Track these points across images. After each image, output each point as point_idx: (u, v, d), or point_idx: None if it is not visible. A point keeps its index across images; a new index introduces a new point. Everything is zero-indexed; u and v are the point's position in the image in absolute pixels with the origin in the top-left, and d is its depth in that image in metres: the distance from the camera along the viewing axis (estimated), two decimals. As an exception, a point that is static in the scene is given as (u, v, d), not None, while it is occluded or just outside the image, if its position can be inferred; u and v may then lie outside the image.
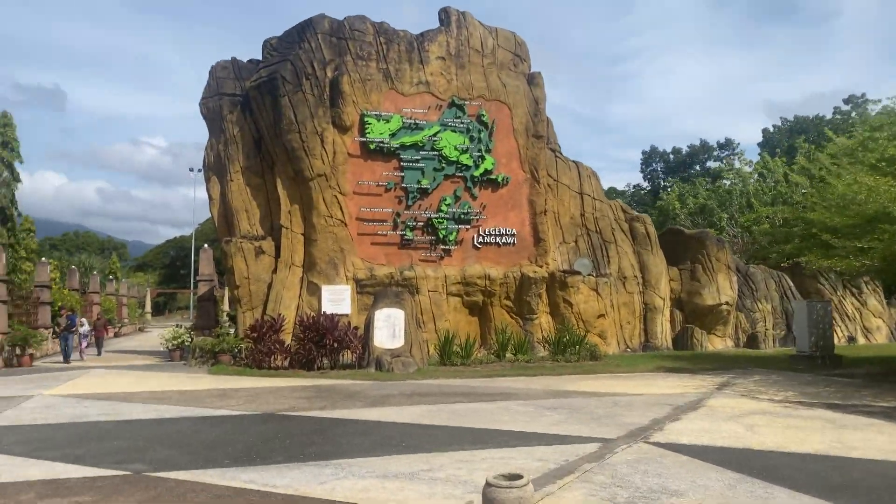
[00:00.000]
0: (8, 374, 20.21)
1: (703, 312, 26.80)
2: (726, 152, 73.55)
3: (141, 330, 53.41)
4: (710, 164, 73.33)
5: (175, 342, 25.05)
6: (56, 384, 16.95)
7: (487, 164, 23.98)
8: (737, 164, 42.06)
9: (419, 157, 23.27)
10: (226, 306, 34.43)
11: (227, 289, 28.11)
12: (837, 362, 19.81)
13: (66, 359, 24.00)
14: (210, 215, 25.36)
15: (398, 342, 19.20)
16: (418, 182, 23.21)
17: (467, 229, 23.82)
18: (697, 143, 74.49)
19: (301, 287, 22.41)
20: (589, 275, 25.03)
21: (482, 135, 24.05)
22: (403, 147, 23.13)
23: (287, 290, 22.19)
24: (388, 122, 22.99)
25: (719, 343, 27.22)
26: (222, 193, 24.17)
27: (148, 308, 67.47)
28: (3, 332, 23.30)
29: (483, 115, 24.08)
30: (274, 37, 24.29)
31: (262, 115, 23.20)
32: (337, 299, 22.04)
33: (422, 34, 24.13)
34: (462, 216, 23.63)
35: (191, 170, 60.87)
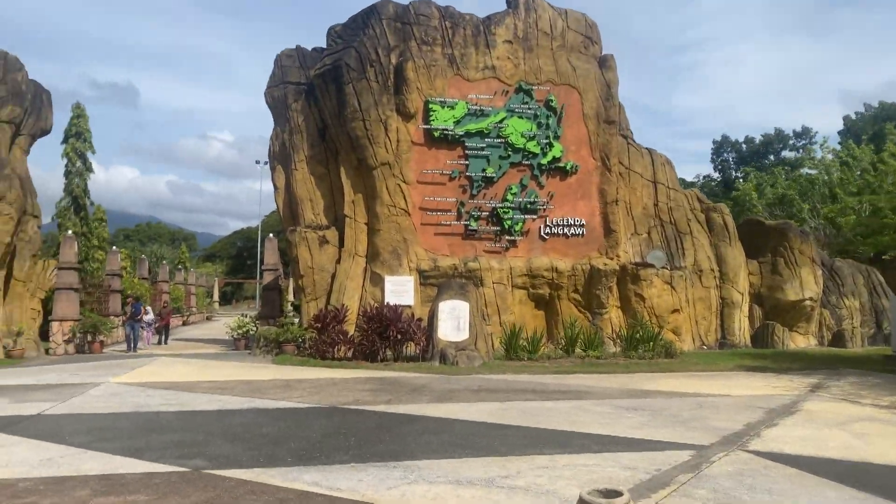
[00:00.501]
0: (79, 361, 20.53)
1: (784, 308, 25.24)
2: (803, 141, 70.27)
3: (208, 318, 54.52)
4: (786, 153, 70.13)
5: (240, 331, 25.12)
6: (123, 372, 17.01)
7: (556, 151, 23.08)
8: (819, 153, 39.80)
9: (484, 145, 22.55)
10: (290, 296, 34.56)
11: (291, 278, 28.06)
12: (940, 364, 18.22)
13: (132, 347, 24.34)
14: (275, 206, 25.28)
15: (463, 335, 18.59)
16: (483, 170, 22.51)
17: (534, 219, 22.99)
18: (771, 131, 71.25)
19: (364, 277, 22.05)
20: (663, 268, 23.87)
21: (550, 121, 23.15)
22: (468, 134, 22.45)
23: (350, 281, 21.86)
24: (452, 108, 22.34)
25: (802, 341, 25.61)
26: (287, 183, 24.02)
27: (216, 297, 68.99)
28: (74, 318, 23.75)
29: (551, 100, 23.17)
30: (338, 24, 23.94)
31: (327, 104, 22.90)
32: (400, 290, 21.58)
33: (488, 17, 23.37)
34: (528, 206, 22.81)
35: (257, 162, 61.82)
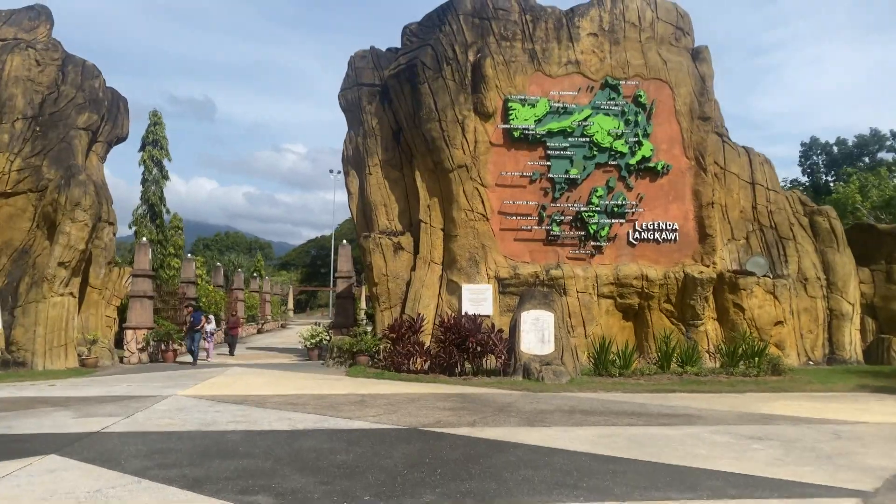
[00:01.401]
0: (150, 370, 20.20)
1: (902, 321, 22.73)
2: None
3: (283, 326, 54.71)
4: (882, 155, 65.77)
5: (313, 341, 24.46)
6: (192, 383, 16.41)
7: (645, 150, 21.45)
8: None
9: (567, 145, 21.16)
10: (363, 304, 33.88)
11: (364, 286, 27.29)
12: None
13: (194, 359, 23.02)
14: (349, 214, 24.58)
15: (548, 348, 17.21)
16: (566, 172, 21.11)
17: (621, 224, 21.41)
18: (863, 132, 66.94)
19: (440, 285, 20.98)
20: (764, 276, 21.84)
21: (639, 118, 21.55)
22: (550, 134, 21.11)
23: (426, 289, 20.83)
24: (533, 106, 21.06)
25: (922, 358, 22.99)
26: (360, 188, 23.25)
27: (290, 305, 69.52)
28: (149, 327, 23.56)
29: (640, 95, 21.58)
30: (413, 22, 23.07)
31: (401, 105, 22.01)
32: (478, 299, 20.41)
33: (571, 9, 22.00)
34: (615, 209, 21.25)
35: (330, 171, 62.14)
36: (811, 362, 22.06)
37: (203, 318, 24.17)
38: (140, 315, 23.40)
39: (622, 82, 21.58)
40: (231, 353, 26.30)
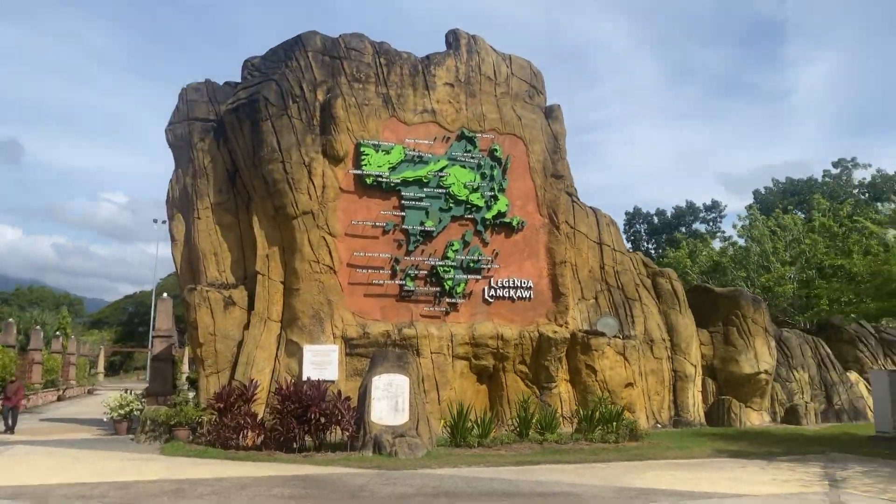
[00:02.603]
0: None
1: (739, 382, 23.35)
2: (713, 214, 72.78)
3: (91, 392, 48.05)
4: (697, 225, 72.12)
5: (121, 411, 20.67)
6: (-51, 472, 12.72)
7: (501, 205, 20.69)
8: (735, 225, 39.68)
9: (423, 195, 19.89)
10: (186, 368, 30.12)
11: (188, 347, 23.95)
12: (927, 445, 16.48)
13: None
14: (173, 267, 21.43)
15: (402, 417, 15.35)
16: (422, 223, 19.77)
17: (477, 280, 20.30)
18: (672, 207, 73.67)
19: (278, 347, 18.57)
20: (614, 336, 21.59)
21: (495, 172, 20.84)
22: (405, 182, 19.77)
23: (261, 350, 18.32)
24: (387, 153, 19.67)
25: (756, 418, 23.69)
26: (187, 234, 20.47)
27: (101, 368, 62.05)
28: None
29: (496, 149, 20.93)
30: (256, 56, 21.05)
31: (239, 143, 19.76)
32: (322, 362, 18.22)
33: (427, 57, 21.11)
34: (471, 264, 20.14)
35: (154, 221, 56.97)
36: (659, 425, 21.91)
37: None
38: None
39: (478, 135, 20.85)
40: (8, 429, 21.33)
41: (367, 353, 18.33)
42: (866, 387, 26.82)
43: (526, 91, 22.33)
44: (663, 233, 71.85)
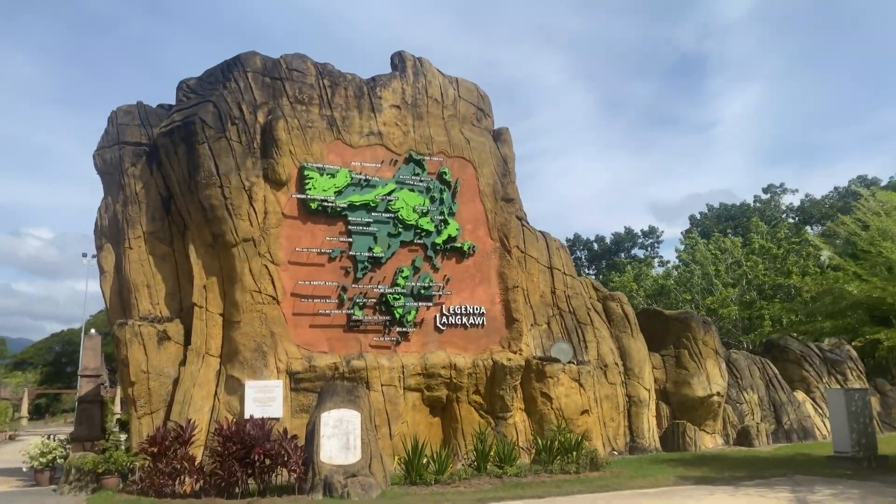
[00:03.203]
0: None
1: (692, 405, 23.16)
2: (650, 239, 74.34)
3: (12, 438, 44.80)
4: (636, 251, 73.59)
5: (43, 460, 18.93)
6: None
7: (451, 229, 20.09)
8: (677, 249, 40.30)
9: (371, 220, 19.13)
10: (118, 409, 28.22)
11: (119, 387, 22.35)
12: (884, 463, 16.44)
13: None
14: (103, 304, 19.94)
15: (353, 455, 14.37)
16: (370, 249, 18.98)
17: (428, 307, 19.56)
18: (609, 234, 75.61)
19: (218, 383, 17.36)
20: (569, 362, 21.10)
21: (444, 195, 20.27)
22: (352, 207, 18.98)
23: (199, 388, 17.08)
24: (333, 176, 18.87)
25: (709, 441, 23.51)
26: (118, 265, 19.14)
27: (24, 412, 58.22)
28: None
29: (445, 172, 20.38)
30: (191, 77, 20.05)
31: (174, 168, 18.65)
32: (265, 398, 17.08)
33: (373, 79, 20.51)
34: (422, 291, 19.41)
35: (84, 255, 54.19)
36: (615, 452, 21.43)
37: None
38: None
39: (426, 158, 20.28)
40: None
41: (313, 388, 17.33)
42: (813, 406, 27.14)
43: (473, 114, 21.95)
44: (603, 258, 72.91)
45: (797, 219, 58.72)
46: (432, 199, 20.04)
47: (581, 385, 20.90)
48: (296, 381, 17.54)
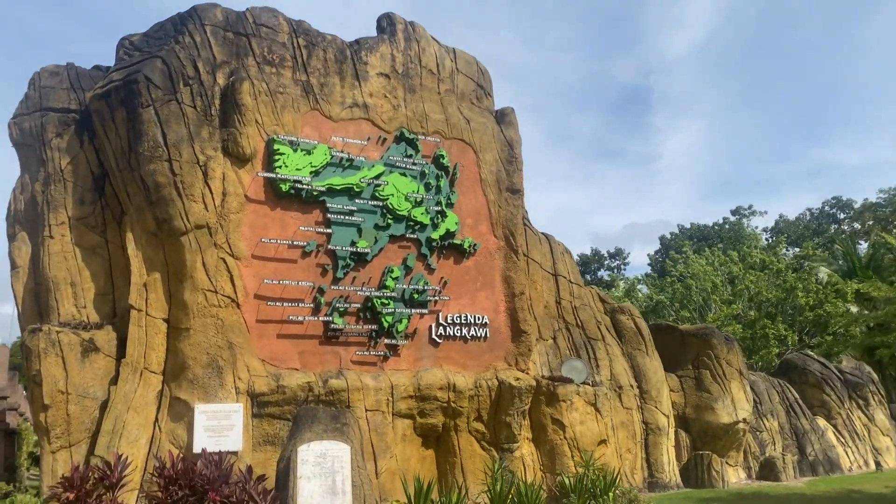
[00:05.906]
0: None
1: (715, 434, 20.17)
2: (616, 261, 73.74)
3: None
4: (602, 273, 72.80)
5: (-74, 507, 14.78)
6: None
7: (449, 223, 16.81)
8: (670, 264, 38.11)
9: (354, 208, 15.71)
10: (32, 439, 23.78)
11: (31, 412, 18.17)
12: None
13: None
14: (14, 306, 15.96)
15: (342, 501, 10.81)
16: (353, 244, 15.52)
17: (422, 315, 16.17)
18: (579, 255, 74.54)
19: (159, 407, 13.59)
20: (584, 383, 17.94)
21: (441, 182, 17.03)
22: (331, 191, 15.54)
23: (134, 413, 13.28)
24: (308, 153, 15.44)
25: (733, 474, 20.53)
26: (34, 258, 15.29)
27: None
28: None
29: (443, 155, 17.16)
30: (136, 33, 16.47)
31: (111, 139, 14.98)
32: (220, 427, 13.38)
33: (357, 41, 17.24)
34: (415, 296, 16.02)
35: None
36: (634, 488, 18.23)
37: None
38: None
39: (420, 137, 17.04)
40: None
41: (282, 414, 13.72)
42: (835, 434, 24.53)
43: (473, 91, 18.84)
44: (571, 280, 71.19)
45: (771, 239, 58.03)
46: (427, 187, 16.76)
47: (598, 410, 17.78)
48: (259, 406, 13.83)
